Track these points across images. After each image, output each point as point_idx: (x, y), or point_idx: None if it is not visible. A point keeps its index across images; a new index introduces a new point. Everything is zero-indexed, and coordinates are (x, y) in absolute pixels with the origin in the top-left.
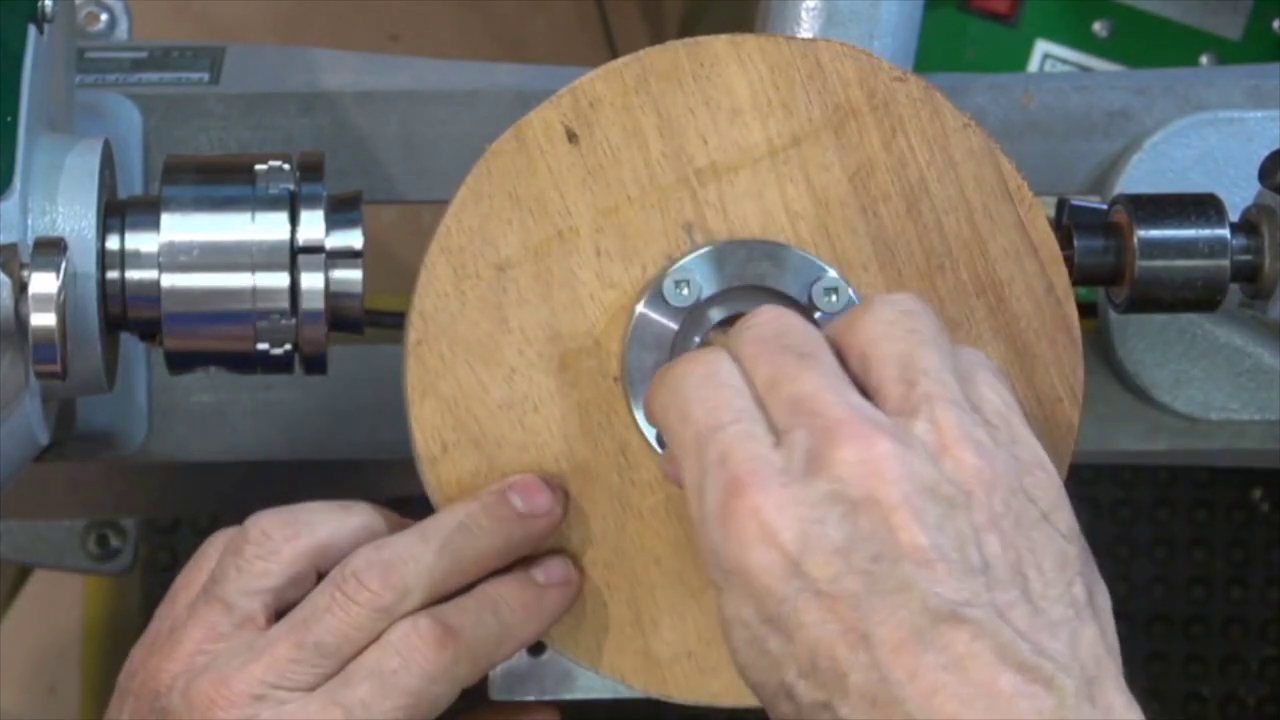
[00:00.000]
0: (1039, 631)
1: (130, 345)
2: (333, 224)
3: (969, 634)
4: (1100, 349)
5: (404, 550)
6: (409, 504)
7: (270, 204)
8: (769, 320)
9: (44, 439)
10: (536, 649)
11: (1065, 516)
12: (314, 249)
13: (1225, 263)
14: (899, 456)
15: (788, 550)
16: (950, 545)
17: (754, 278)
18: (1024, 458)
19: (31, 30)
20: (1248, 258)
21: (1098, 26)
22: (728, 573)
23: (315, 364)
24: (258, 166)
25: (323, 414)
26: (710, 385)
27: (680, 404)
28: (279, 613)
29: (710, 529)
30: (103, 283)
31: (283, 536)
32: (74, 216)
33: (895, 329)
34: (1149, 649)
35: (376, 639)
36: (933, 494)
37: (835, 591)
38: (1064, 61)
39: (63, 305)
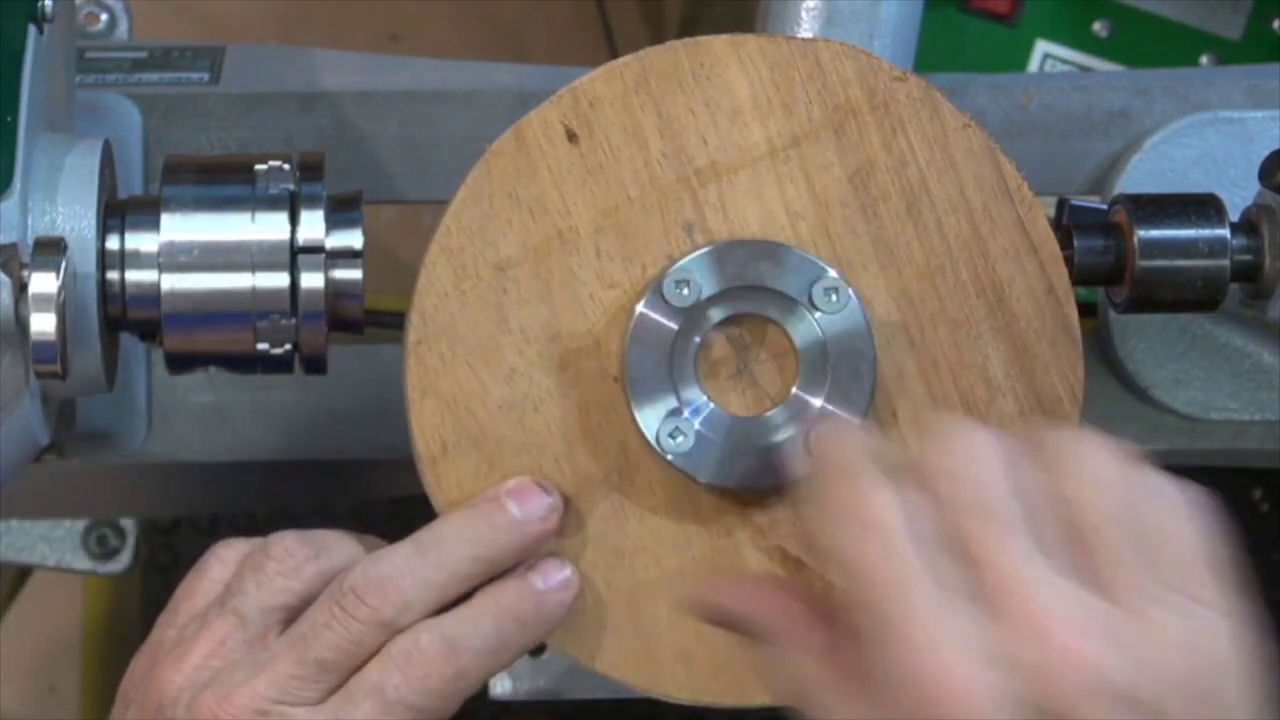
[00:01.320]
0: None
1: (130, 345)
2: (333, 224)
3: None
4: (1100, 349)
5: (401, 563)
6: (409, 504)
7: (270, 204)
8: (970, 476)
9: (44, 439)
10: (537, 649)
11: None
12: (314, 249)
13: (1225, 263)
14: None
15: None
16: None
17: (754, 278)
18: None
19: (31, 30)
20: (1248, 258)
21: (1098, 26)
22: None
23: (315, 364)
24: (258, 166)
25: (323, 414)
26: (872, 537)
27: (840, 549)
28: None
29: (895, 697)
30: (103, 283)
31: (305, 556)
32: (74, 216)
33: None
34: None
35: (378, 651)
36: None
37: None
38: (1064, 61)
39: (63, 305)
